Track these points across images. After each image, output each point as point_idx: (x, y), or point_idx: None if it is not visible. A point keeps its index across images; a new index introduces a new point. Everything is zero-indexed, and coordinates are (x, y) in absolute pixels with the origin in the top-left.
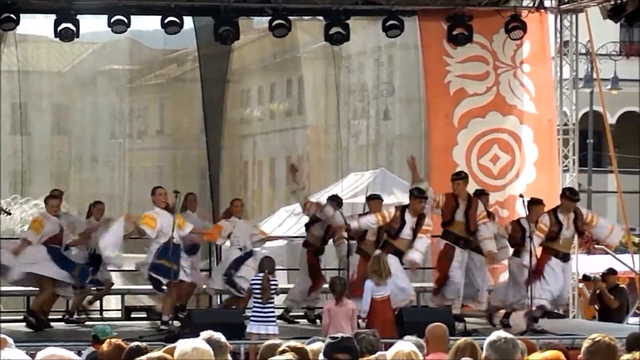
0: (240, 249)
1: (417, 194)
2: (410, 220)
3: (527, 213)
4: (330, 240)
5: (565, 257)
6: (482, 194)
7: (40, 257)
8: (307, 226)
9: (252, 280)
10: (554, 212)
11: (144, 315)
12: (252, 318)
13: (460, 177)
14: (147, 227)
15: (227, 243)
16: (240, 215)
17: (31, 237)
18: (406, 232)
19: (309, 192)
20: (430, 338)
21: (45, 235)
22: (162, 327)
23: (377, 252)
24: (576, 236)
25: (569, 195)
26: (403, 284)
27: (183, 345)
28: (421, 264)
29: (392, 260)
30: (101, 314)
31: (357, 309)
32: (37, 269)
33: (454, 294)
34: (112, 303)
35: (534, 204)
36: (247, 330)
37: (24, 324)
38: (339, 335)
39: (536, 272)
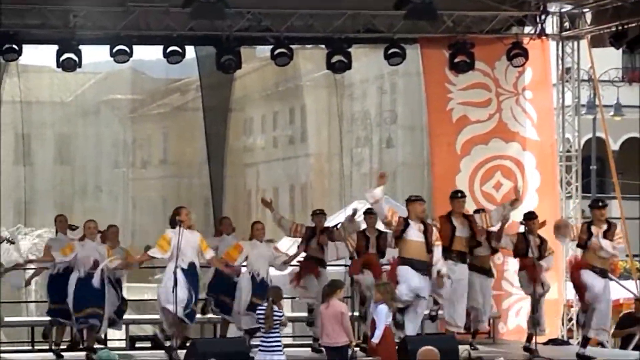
0: (253, 276)
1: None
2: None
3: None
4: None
5: (603, 273)
6: (481, 212)
7: None
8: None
9: (258, 309)
10: (587, 223)
11: (148, 345)
12: (260, 348)
13: (462, 196)
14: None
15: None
16: (261, 238)
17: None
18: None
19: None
20: None
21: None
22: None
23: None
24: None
25: (593, 204)
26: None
27: None
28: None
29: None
30: (105, 343)
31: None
32: None
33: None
34: (116, 333)
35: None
36: (256, 358)
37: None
38: None
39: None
